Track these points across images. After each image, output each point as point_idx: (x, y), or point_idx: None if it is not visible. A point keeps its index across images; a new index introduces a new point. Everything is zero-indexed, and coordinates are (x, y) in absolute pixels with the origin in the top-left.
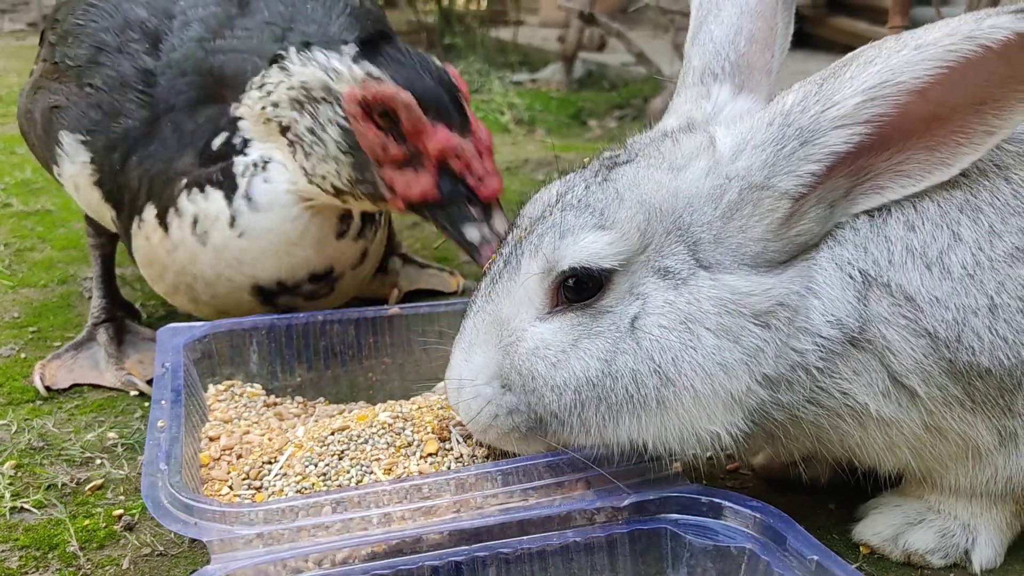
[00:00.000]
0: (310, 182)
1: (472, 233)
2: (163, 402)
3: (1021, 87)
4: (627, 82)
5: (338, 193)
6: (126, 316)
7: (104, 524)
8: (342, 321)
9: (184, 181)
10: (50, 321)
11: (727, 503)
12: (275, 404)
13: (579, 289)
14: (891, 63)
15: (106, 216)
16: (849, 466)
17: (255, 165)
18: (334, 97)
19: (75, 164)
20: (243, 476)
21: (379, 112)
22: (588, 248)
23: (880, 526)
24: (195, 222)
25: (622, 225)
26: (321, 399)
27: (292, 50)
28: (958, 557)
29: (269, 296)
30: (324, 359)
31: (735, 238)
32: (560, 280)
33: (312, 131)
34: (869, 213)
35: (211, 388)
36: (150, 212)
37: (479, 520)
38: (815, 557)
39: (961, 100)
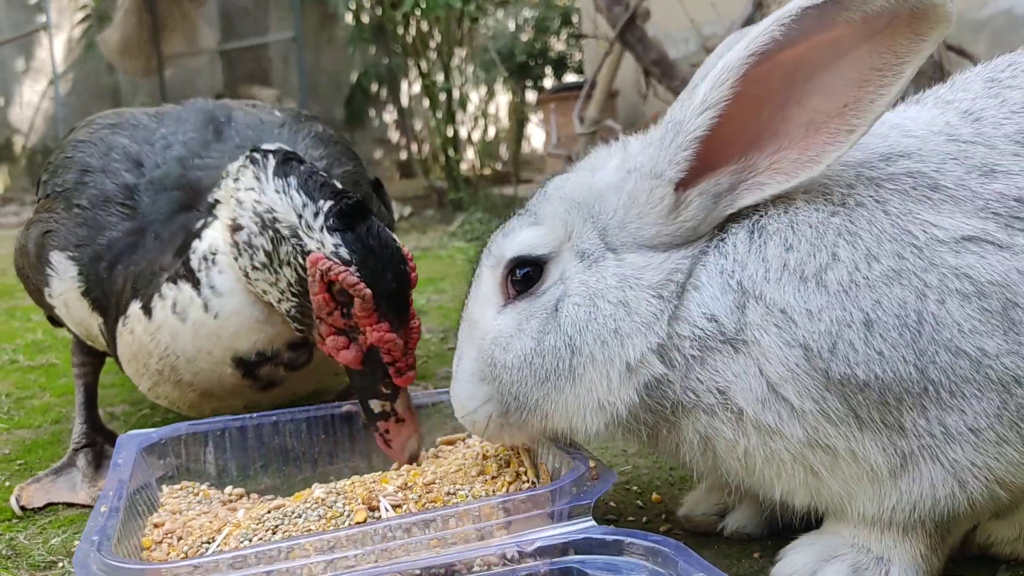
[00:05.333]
0: (248, 284)
1: (375, 405)
2: (109, 492)
3: (871, 88)
4: None
5: (268, 304)
6: (106, 442)
7: None
8: (295, 420)
9: (165, 275)
10: (38, 455)
11: (628, 539)
12: (229, 501)
13: (525, 281)
14: (729, 54)
15: (94, 328)
16: (769, 501)
17: (205, 259)
18: (300, 248)
19: (64, 280)
20: (182, 556)
21: (337, 289)
22: (524, 241)
23: (796, 564)
24: (174, 304)
25: (549, 219)
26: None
27: (271, 161)
28: None
29: (251, 367)
30: (280, 459)
31: (635, 223)
32: (507, 272)
33: (269, 257)
34: (750, 235)
35: (165, 488)
36: (135, 307)
37: (400, 565)
38: (701, 574)
39: (828, 106)
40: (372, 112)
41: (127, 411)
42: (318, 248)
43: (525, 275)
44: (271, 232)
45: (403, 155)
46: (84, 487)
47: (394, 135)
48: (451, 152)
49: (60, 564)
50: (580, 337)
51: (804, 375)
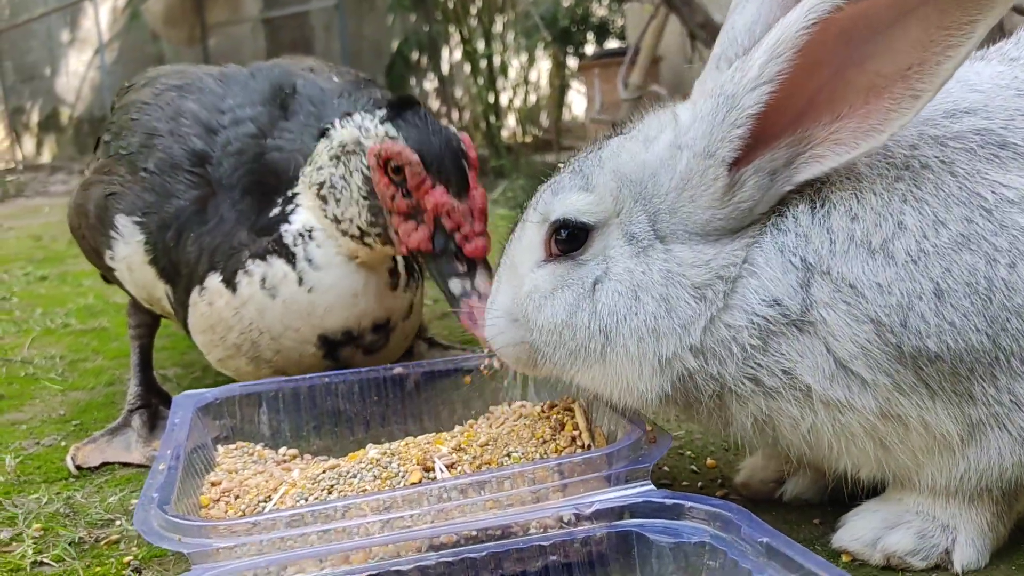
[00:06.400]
0: (341, 232)
1: (455, 285)
2: (167, 451)
3: (938, 49)
4: None
5: (362, 236)
6: (160, 403)
7: (115, 570)
8: (347, 382)
9: (247, 252)
10: (93, 416)
11: (688, 503)
12: (283, 461)
13: (569, 241)
14: (784, 22)
15: (158, 293)
16: (833, 474)
17: (301, 235)
18: (362, 150)
19: (129, 244)
20: (239, 514)
21: (392, 168)
22: (572, 205)
23: (859, 531)
24: (264, 280)
25: (599, 189)
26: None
27: (337, 120)
28: (939, 558)
29: (333, 347)
30: (332, 420)
31: (686, 207)
32: (552, 231)
33: (343, 178)
34: (811, 206)
35: (220, 448)
36: (214, 279)
37: (455, 526)
38: (765, 539)
39: (891, 68)
40: (412, 80)
41: (179, 373)
42: (375, 142)
43: (569, 235)
44: (344, 160)
45: (444, 123)
46: (139, 447)
47: (434, 103)
48: (492, 119)
49: (118, 522)
50: (616, 328)
51: (876, 350)
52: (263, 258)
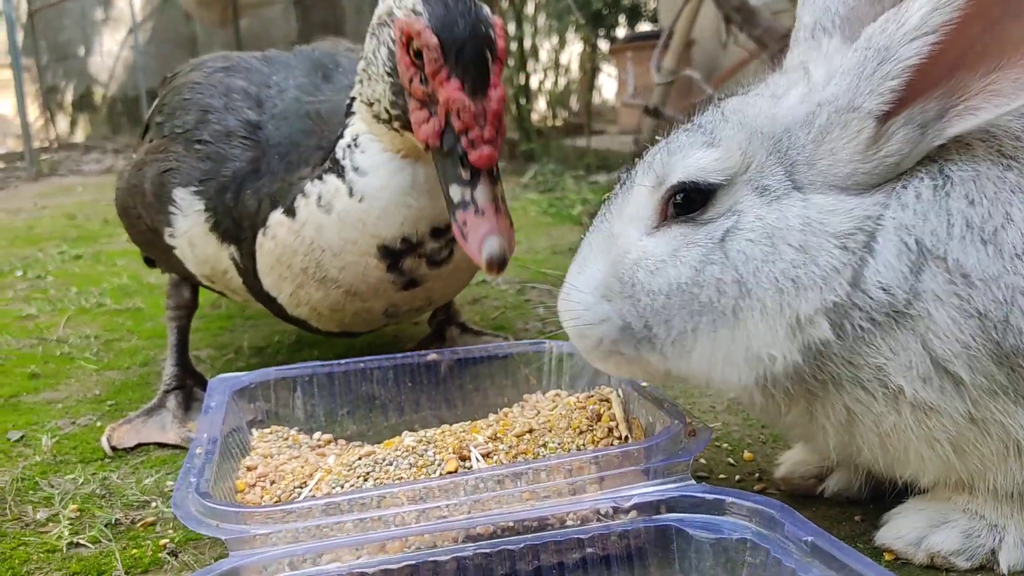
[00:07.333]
0: (374, 116)
1: (455, 192)
2: (204, 435)
3: None
4: None
5: (390, 120)
6: (196, 385)
7: (151, 552)
8: (382, 367)
9: (306, 181)
10: (128, 396)
11: (729, 498)
12: (318, 446)
13: (687, 204)
14: None
15: (222, 264)
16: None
17: (349, 147)
18: (392, 21)
19: (189, 216)
20: (274, 499)
21: (414, 49)
22: (696, 163)
23: (903, 529)
24: (319, 198)
25: (727, 143)
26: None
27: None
28: (984, 558)
29: (395, 259)
30: (366, 405)
31: (826, 160)
32: (670, 195)
33: (374, 52)
34: (934, 180)
35: (255, 432)
36: (276, 215)
37: (492, 517)
38: (810, 538)
39: None
40: None
41: (212, 355)
42: (403, 15)
43: (686, 198)
44: (376, 32)
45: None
46: (174, 428)
47: None
48: (522, 101)
49: (153, 504)
50: (754, 278)
51: (979, 348)
52: (320, 178)
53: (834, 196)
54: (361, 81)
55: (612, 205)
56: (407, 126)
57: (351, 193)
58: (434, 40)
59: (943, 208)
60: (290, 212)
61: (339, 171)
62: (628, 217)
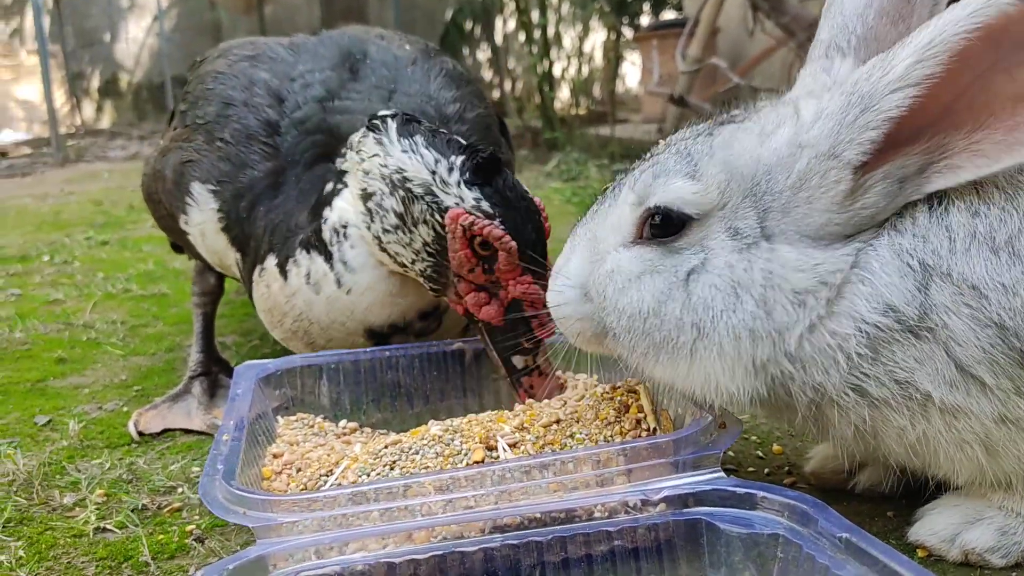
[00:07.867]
0: (380, 248)
1: (519, 362)
2: (230, 421)
3: None
4: None
5: (402, 267)
6: (221, 371)
7: (177, 538)
8: (408, 356)
9: (300, 237)
10: (154, 382)
11: (761, 493)
12: (344, 434)
13: (663, 227)
14: (940, 23)
15: (229, 260)
16: (917, 473)
17: (336, 231)
18: (436, 204)
19: (204, 212)
20: (301, 487)
21: (479, 242)
22: (675, 192)
23: (937, 525)
24: (308, 275)
25: (707, 180)
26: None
27: (392, 125)
28: (1020, 556)
29: (382, 338)
30: (391, 394)
31: (801, 208)
32: (647, 215)
33: (402, 218)
34: (928, 204)
35: (281, 419)
36: (271, 261)
37: (519, 508)
38: (845, 535)
39: None
40: (466, 50)
41: (238, 341)
42: (457, 203)
43: (663, 220)
44: (402, 192)
45: (496, 94)
46: (199, 414)
47: (487, 73)
48: (546, 89)
49: (180, 489)
50: (712, 324)
51: (1000, 355)
52: (307, 251)
53: (801, 250)
54: (371, 215)
55: (603, 204)
56: (438, 291)
57: (339, 284)
58: (514, 246)
59: (942, 226)
60: (283, 271)
61: (327, 255)
62: (611, 225)
